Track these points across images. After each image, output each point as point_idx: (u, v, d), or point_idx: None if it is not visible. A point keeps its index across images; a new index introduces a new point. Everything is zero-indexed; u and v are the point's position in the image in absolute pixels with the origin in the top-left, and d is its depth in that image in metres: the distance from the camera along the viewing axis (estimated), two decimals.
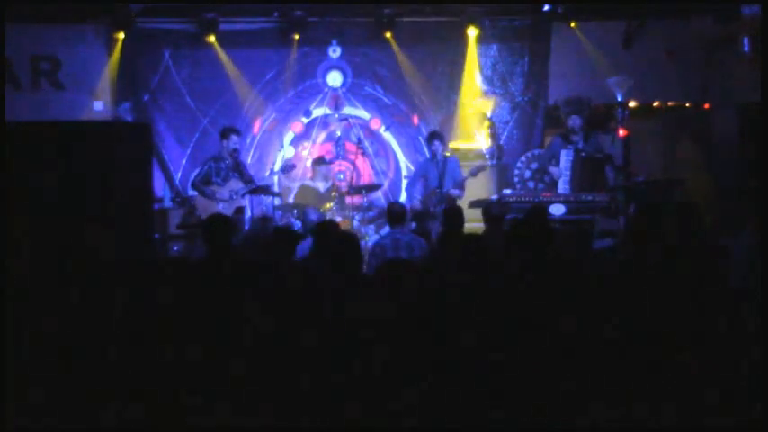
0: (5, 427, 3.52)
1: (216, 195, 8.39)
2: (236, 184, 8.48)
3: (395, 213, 6.73)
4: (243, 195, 8.55)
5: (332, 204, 9.58)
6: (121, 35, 9.71)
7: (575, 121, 8.88)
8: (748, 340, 3.41)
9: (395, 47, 10.25)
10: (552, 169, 8.96)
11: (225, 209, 8.32)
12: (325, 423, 3.24)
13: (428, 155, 9.26)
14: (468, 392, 3.20)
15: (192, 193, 9.12)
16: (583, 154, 8.76)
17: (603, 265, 4.68)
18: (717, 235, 5.86)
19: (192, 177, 8.99)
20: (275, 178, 10.01)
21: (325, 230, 5.43)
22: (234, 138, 8.64)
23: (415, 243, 6.34)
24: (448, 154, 9.25)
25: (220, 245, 5.32)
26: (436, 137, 9.23)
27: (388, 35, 10.18)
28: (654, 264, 3.77)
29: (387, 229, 8.44)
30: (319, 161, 9.66)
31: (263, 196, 9.34)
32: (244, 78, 10.19)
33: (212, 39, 9.89)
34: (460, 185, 8.99)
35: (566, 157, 8.86)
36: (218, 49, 9.98)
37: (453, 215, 6.82)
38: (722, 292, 3.73)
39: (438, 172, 8.90)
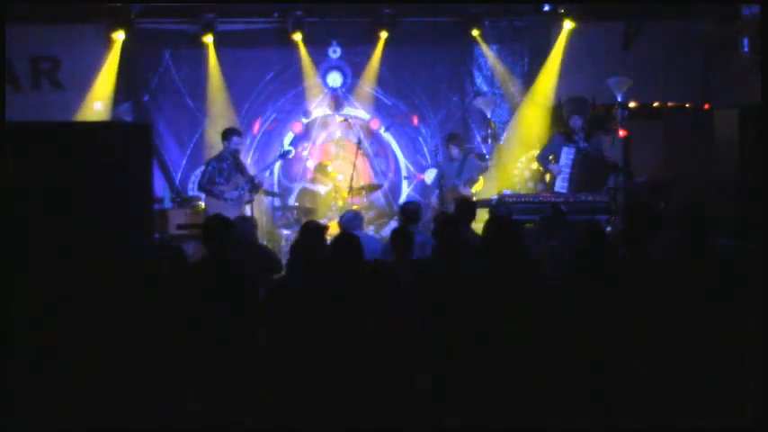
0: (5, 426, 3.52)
1: (225, 195, 8.38)
2: (240, 181, 8.48)
3: (408, 213, 6.68)
4: (249, 192, 8.56)
5: (332, 205, 9.56)
6: (121, 35, 9.69)
7: (575, 122, 8.90)
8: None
9: (394, 47, 10.24)
10: (552, 166, 9.00)
11: (233, 207, 8.31)
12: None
13: (446, 156, 9.34)
14: None
15: (197, 194, 9.09)
16: (584, 153, 8.77)
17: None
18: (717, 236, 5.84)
19: (198, 179, 8.95)
20: (275, 175, 9.99)
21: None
22: (235, 139, 8.62)
23: (428, 243, 6.27)
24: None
25: (220, 246, 5.30)
26: (453, 139, 9.35)
27: (388, 35, 10.18)
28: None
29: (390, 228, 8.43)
30: (323, 169, 9.61)
31: (262, 196, 9.32)
32: (244, 79, 10.19)
33: (212, 39, 9.88)
34: (470, 182, 9.20)
35: (566, 155, 8.88)
36: (218, 50, 9.97)
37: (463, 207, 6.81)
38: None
39: (456, 170, 9.12)
